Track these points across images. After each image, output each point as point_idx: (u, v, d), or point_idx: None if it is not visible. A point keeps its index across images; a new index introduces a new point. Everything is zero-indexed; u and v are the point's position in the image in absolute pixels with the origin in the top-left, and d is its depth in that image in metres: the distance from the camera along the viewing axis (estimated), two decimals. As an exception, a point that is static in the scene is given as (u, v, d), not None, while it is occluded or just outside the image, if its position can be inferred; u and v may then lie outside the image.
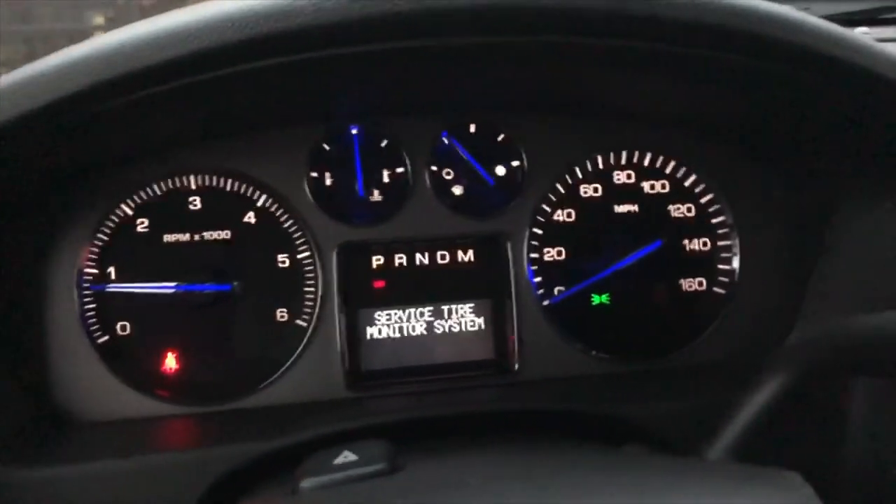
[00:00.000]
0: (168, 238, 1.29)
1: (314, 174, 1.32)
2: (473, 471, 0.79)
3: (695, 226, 1.39)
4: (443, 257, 1.35)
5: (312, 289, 1.31)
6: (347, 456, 0.86)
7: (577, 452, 0.93)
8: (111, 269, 1.27)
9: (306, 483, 0.83)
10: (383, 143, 1.34)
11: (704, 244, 1.40)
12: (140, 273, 1.28)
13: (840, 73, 0.91)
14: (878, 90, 0.91)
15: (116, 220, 1.27)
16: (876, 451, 1.08)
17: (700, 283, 1.40)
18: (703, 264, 1.40)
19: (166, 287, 1.28)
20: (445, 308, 1.34)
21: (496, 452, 0.94)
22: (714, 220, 1.39)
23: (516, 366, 1.34)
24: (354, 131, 1.34)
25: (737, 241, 1.38)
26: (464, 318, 1.35)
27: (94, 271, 1.27)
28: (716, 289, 1.39)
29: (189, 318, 1.29)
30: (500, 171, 1.37)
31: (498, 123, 1.36)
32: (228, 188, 1.31)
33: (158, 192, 1.29)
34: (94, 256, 1.26)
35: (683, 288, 1.40)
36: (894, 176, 1.10)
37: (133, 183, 1.27)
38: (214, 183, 1.30)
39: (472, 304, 1.35)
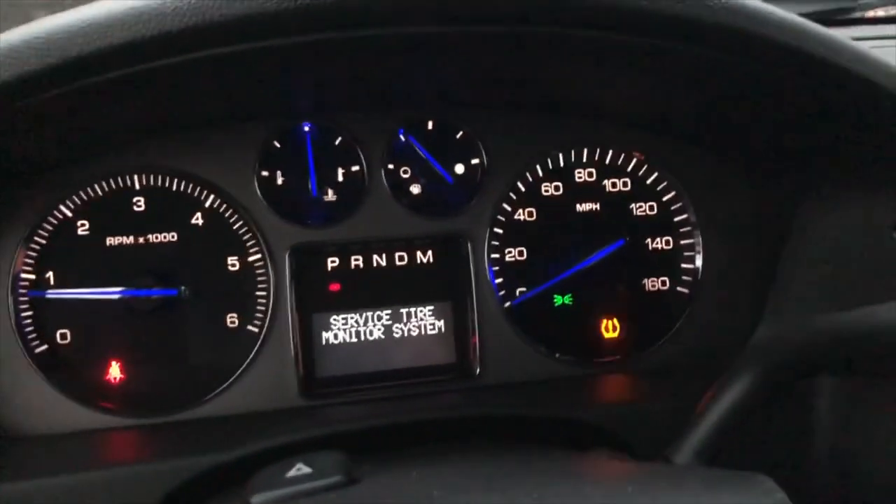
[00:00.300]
0: (111, 241, 1.23)
1: (265, 173, 1.27)
2: (435, 481, 0.75)
3: (657, 224, 1.38)
4: (401, 259, 1.31)
5: (264, 293, 1.26)
6: (300, 468, 0.82)
7: (542, 459, 0.90)
8: (49, 274, 1.21)
9: (256, 499, 0.78)
10: (337, 141, 1.30)
11: (667, 243, 1.38)
12: (81, 278, 1.22)
13: (805, 66, 0.90)
14: (843, 84, 0.90)
15: (55, 221, 1.21)
16: (843, 450, 1.07)
17: (663, 283, 1.38)
18: (666, 263, 1.38)
19: (110, 293, 1.22)
20: (404, 311, 1.30)
21: (458, 461, 0.90)
22: (677, 219, 1.38)
23: (478, 370, 1.30)
24: (307, 128, 1.29)
25: (699, 240, 1.36)
26: (423, 321, 1.31)
27: (31, 276, 1.20)
28: (679, 288, 1.38)
29: (134, 325, 1.23)
30: (459, 169, 1.33)
31: (456, 120, 1.33)
32: (174, 188, 1.25)
33: (100, 193, 1.23)
34: (30, 261, 1.20)
35: (647, 288, 1.38)
36: (857, 173, 1.09)
37: (72, 183, 1.21)
38: (159, 183, 1.25)
39: (431, 307, 1.31)
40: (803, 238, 1.22)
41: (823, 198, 1.18)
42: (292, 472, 0.81)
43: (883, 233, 0.99)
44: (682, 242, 1.38)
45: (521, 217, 1.35)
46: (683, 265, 1.38)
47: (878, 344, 0.82)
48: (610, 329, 1.37)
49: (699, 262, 1.36)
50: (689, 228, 1.37)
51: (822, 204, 1.18)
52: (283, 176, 1.28)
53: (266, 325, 1.25)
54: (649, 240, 1.38)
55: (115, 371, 1.23)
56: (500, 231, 1.34)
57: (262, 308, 1.26)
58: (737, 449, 0.95)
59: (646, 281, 1.38)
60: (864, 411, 1.04)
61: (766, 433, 1.04)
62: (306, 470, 0.82)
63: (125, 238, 1.23)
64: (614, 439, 1.11)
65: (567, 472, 0.78)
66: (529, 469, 0.82)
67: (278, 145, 1.28)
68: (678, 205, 1.37)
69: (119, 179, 1.23)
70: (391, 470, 0.86)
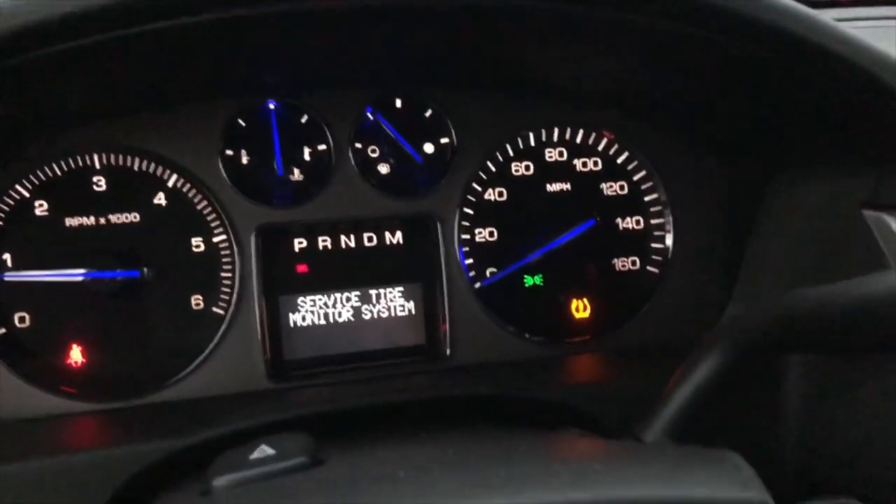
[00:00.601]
0: (70, 221, 1.20)
1: (229, 152, 1.24)
2: (401, 462, 0.74)
3: (628, 204, 1.37)
4: (370, 239, 1.29)
5: (230, 274, 1.24)
6: (264, 450, 0.80)
7: (510, 439, 0.89)
8: (7, 256, 1.18)
9: (219, 481, 0.77)
10: (303, 119, 1.27)
11: (637, 222, 1.37)
12: (40, 260, 1.19)
13: (777, 42, 0.89)
14: (820, 63, 0.89)
15: (11, 202, 1.18)
16: (812, 428, 1.07)
17: (633, 263, 1.38)
18: (637, 243, 1.38)
19: (70, 275, 1.19)
20: (373, 293, 1.29)
21: (426, 442, 0.89)
22: (647, 198, 1.37)
23: (448, 351, 1.29)
24: (272, 106, 1.26)
25: (670, 219, 1.36)
26: (393, 302, 1.30)
27: (-12, 258, 1.17)
28: (649, 268, 1.37)
29: (96, 308, 1.20)
30: (429, 148, 1.32)
31: (425, 99, 1.31)
32: (136, 167, 1.22)
33: (58, 172, 1.20)
34: (-14, 242, 1.17)
35: (617, 268, 1.38)
36: (826, 153, 1.09)
37: (29, 161, 1.18)
38: (121, 162, 1.22)
39: (401, 288, 1.30)
40: (772, 216, 1.23)
41: (792, 177, 1.18)
42: (255, 454, 0.80)
43: (852, 211, 0.99)
44: (653, 222, 1.37)
45: (492, 197, 1.34)
46: (654, 245, 1.37)
47: (846, 319, 0.82)
48: (580, 309, 1.36)
49: (669, 241, 1.36)
50: (659, 208, 1.37)
51: (791, 183, 1.18)
52: (247, 155, 1.26)
53: (232, 307, 1.23)
54: (620, 220, 1.37)
55: (76, 355, 1.20)
56: (470, 211, 1.32)
57: (228, 290, 1.24)
58: (706, 427, 0.95)
59: (616, 261, 1.37)
60: (833, 388, 1.04)
61: (736, 411, 1.04)
62: (270, 452, 0.80)
63: (85, 218, 1.20)
64: (585, 419, 1.11)
65: (535, 451, 0.77)
66: (497, 448, 0.81)
67: (243, 124, 1.25)
68: (648, 184, 1.37)
69: (78, 158, 1.20)
70: (357, 451, 0.85)
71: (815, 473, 1.06)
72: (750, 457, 0.72)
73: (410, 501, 0.63)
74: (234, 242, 1.23)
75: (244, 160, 1.25)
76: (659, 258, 1.37)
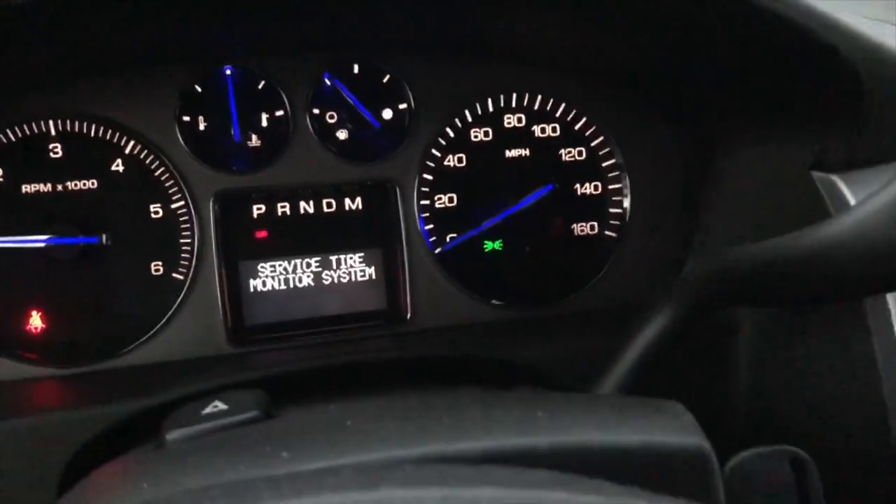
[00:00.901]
0: (27, 189, 1.20)
1: (186, 118, 1.25)
2: (350, 414, 0.76)
3: (586, 169, 1.39)
4: (329, 205, 1.30)
5: (189, 240, 1.25)
6: (217, 405, 0.82)
7: (461, 395, 0.91)
8: (-38, 224, 1.18)
9: (172, 435, 0.78)
10: (260, 85, 1.28)
11: (595, 187, 1.39)
12: (-2, 227, 1.19)
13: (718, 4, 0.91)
14: (751, 17, 0.91)
15: (-34, 169, 1.18)
16: (762, 382, 1.10)
17: (592, 227, 1.40)
18: (595, 207, 1.40)
19: (30, 241, 1.19)
20: (333, 258, 1.30)
21: (379, 397, 0.91)
22: (604, 164, 1.39)
23: (409, 315, 1.31)
24: (229, 72, 1.27)
25: (627, 183, 1.38)
26: (353, 268, 1.31)
27: (-56, 225, 1.17)
28: (607, 232, 1.40)
29: (55, 274, 1.21)
30: (387, 114, 1.33)
31: (383, 64, 1.32)
32: (93, 134, 1.22)
33: (13, 139, 1.19)
34: (-59, 210, 1.17)
35: (576, 232, 1.40)
36: (775, 115, 1.11)
37: (-18, 128, 1.18)
38: (77, 128, 1.22)
39: (361, 254, 1.31)
40: (724, 179, 1.25)
41: (742, 141, 1.20)
42: (208, 409, 0.82)
43: (800, 171, 1.02)
44: (611, 187, 1.39)
45: (451, 163, 1.35)
46: (611, 209, 1.39)
47: (788, 269, 0.84)
48: (540, 273, 1.38)
49: (627, 204, 1.38)
50: (617, 173, 1.39)
51: (742, 144, 1.21)
52: (205, 121, 1.26)
53: (191, 272, 1.24)
54: (578, 185, 1.39)
55: (35, 321, 1.21)
56: (430, 177, 1.34)
57: (187, 256, 1.25)
58: (659, 381, 0.97)
59: (575, 225, 1.39)
60: (782, 342, 1.07)
61: (688, 365, 1.07)
62: (223, 407, 0.82)
63: (42, 185, 1.20)
64: (542, 379, 1.13)
65: (481, 402, 0.79)
66: (445, 402, 0.83)
67: (199, 90, 1.26)
68: (606, 150, 1.39)
69: (33, 125, 1.20)
70: (311, 407, 0.87)
71: (766, 426, 1.08)
72: (701, 409, 0.74)
73: (354, 448, 0.64)
74: (192, 208, 1.24)
75: (201, 126, 1.26)
76: (617, 222, 1.39)
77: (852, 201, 0.93)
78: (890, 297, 0.90)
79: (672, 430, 0.70)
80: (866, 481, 0.91)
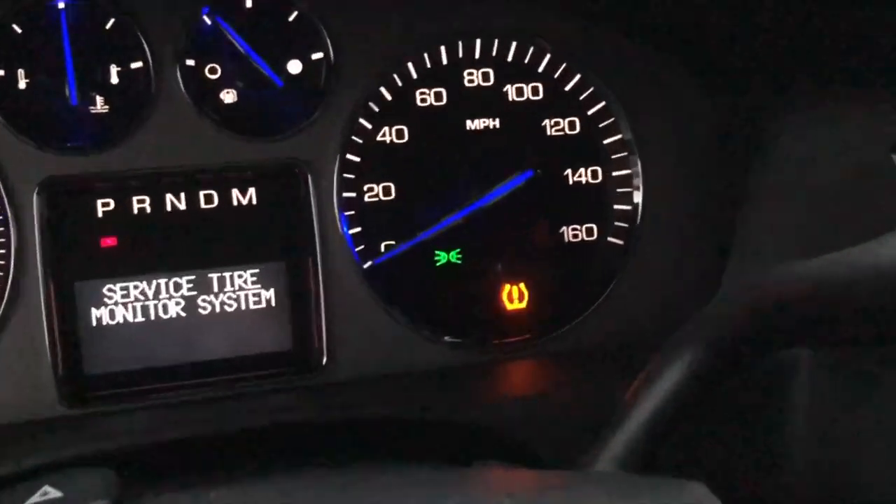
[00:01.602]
0: None
1: (0, 72, 1.24)
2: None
3: (580, 149, 1.41)
4: (208, 199, 1.30)
5: (3, 251, 1.24)
6: (48, 492, 0.82)
7: (397, 476, 0.92)
8: None
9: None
10: (109, 24, 1.27)
11: (594, 175, 1.41)
12: None
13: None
14: None
15: None
16: (827, 450, 1.13)
17: (589, 232, 1.42)
18: (593, 204, 1.42)
19: None
20: (214, 276, 1.30)
21: (277, 480, 0.92)
22: (606, 141, 1.41)
23: (324, 360, 1.32)
24: (62, 5, 1.26)
25: (638, 170, 1.40)
26: (243, 290, 1.31)
27: None
28: (611, 238, 1.42)
29: None
30: (294, 67, 1.34)
31: (289, -5, 1.33)
32: None
33: None
34: None
35: (567, 238, 1.41)
36: (849, 80, 1.14)
37: None
38: None
39: (255, 270, 1.31)
40: (776, 162, 1.28)
41: (801, 110, 1.23)
42: (35, 499, 0.82)
43: (879, 156, 1.05)
44: (615, 174, 1.41)
45: (387, 138, 1.36)
46: (616, 206, 1.42)
47: (878, 291, 0.87)
48: (514, 298, 1.40)
49: (638, 198, 1.40)
50: (623, 154, 1.41)
51: (800, 118, 1.23)
52: (27, 77, 1.25)
53: (5, 298, 1.23)
54: (569, 170, 1.41)
55: None
56: (356, 158, 1.35)
57: (0, 275, 1.24)
58: (675, 456, 0.99)
59: (565, 229, 1.41)
60: (854, 395, 1.09)
61: (721, 431, 1.09)
62: (55, 494, 0.82)
63: None
64: (514, 451, 1.14)
65: (424, 490, 0.80)
66: (371, 490, 0.84)
67: (19, 30, 1.25)
68: (609, 121, 1.41)
69: None
70: (179, 491, 0.87)
71: (830, 483, 1.11)
72: (745, 468, 0.76)
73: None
74: (7, 204, 1.23)
75: (21, 84, 1.25)
76: (624, 225, 1.42)
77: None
78: None
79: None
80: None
